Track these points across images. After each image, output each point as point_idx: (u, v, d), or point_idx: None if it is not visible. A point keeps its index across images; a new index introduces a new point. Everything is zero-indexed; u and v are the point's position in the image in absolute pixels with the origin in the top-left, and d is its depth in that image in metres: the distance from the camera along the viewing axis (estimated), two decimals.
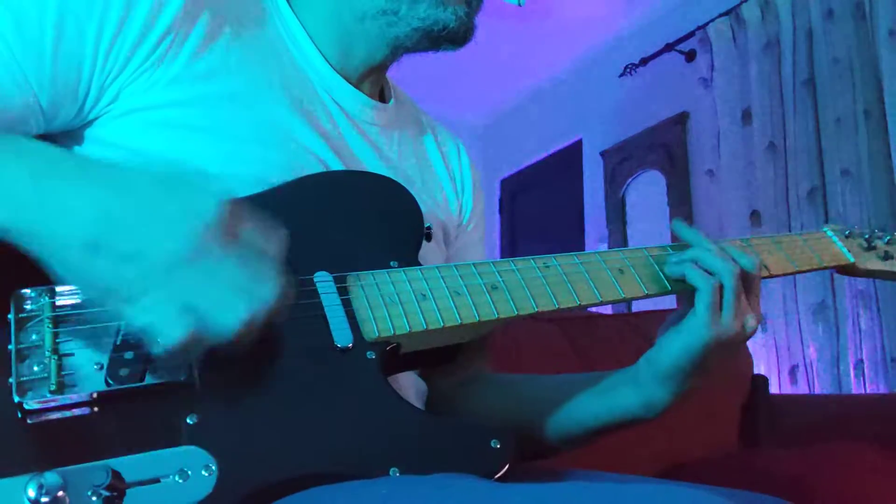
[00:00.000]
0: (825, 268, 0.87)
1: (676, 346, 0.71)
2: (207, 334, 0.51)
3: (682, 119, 3.66)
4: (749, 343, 1.97)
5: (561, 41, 4.12)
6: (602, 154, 4.12)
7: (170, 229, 0.51)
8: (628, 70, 3.94)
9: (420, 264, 0.71)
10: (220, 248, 0.51)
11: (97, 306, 0.54)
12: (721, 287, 0.71)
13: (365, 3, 0.79)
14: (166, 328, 0.50)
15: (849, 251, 0.88)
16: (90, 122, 0.70)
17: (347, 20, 0.81)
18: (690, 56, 3.63)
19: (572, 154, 4.46)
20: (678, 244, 0.79)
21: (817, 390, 2.79)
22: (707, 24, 3.48)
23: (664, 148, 3.72)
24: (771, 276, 0.81)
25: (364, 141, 0.84)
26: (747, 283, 0.73)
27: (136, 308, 0.50)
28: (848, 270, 0.90)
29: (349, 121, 0.83)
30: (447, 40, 0.81)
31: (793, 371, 2.90)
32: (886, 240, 0.91)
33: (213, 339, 0.52)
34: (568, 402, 0.79)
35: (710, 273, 0.72)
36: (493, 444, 0.61)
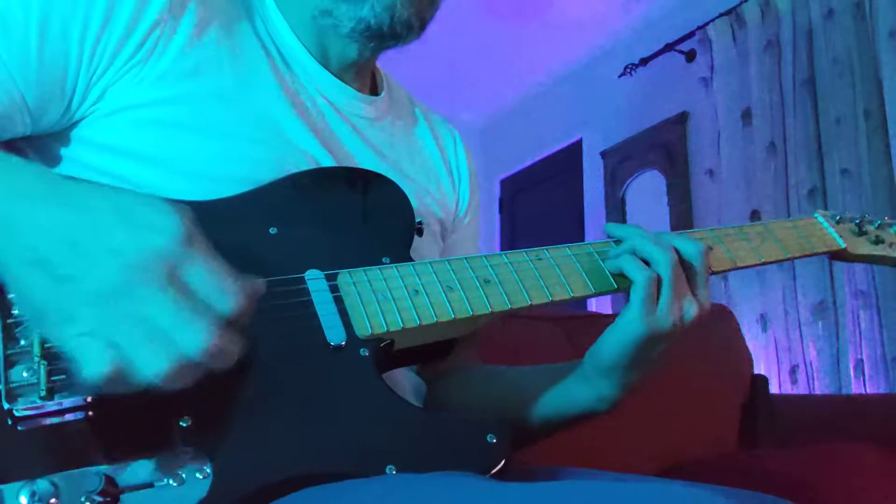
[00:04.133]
0: (817, 254, 0.86)
1: (611, 342, 0.70)
2: (133, 375, 0.47)
3: (682, 119, 3.65)
4: (749, 343, 1.98)
5: (561, 41, 4.12)
6: (602, 154, 4.11)
7: (106, 260, 0.47)
8: (628, 70, 3.93)
9: (412, 260, 0.71)
10: (156, 289, 0.47)
11: (32, 324, 0.51)
12: (659, 280, 0.69)
13: (316, 1, 0.78)
14: (89, 360, 0.46)
15: (840, 236, 0.88)
16: (76, 123, 0.69)
17: (315, 17, 0.79)
18: (690, 56, 3.62)
19: (572, 154, 4.45)
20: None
21: (817, 390, 2.79)
22: (707, 24, 3.47)
23: (664, 148, 3.71)
24: (764, 264, 0.81)
25: (355, 135, 0.83)
26: (689, 270, 0.71)
27: (64, 333, 0.47)
28: (840, 256, 0.89)
29: (339, 115, 0.82)
30: (382, 37, 0.77)
31: (793, 371, 2.90)
32: (877, 224, 0.91)
33: (139, 380, 0.47)
34: (531, 393, 0.78)
35: (647, 263, 0.70)
36: (489, 439, 0.60)
